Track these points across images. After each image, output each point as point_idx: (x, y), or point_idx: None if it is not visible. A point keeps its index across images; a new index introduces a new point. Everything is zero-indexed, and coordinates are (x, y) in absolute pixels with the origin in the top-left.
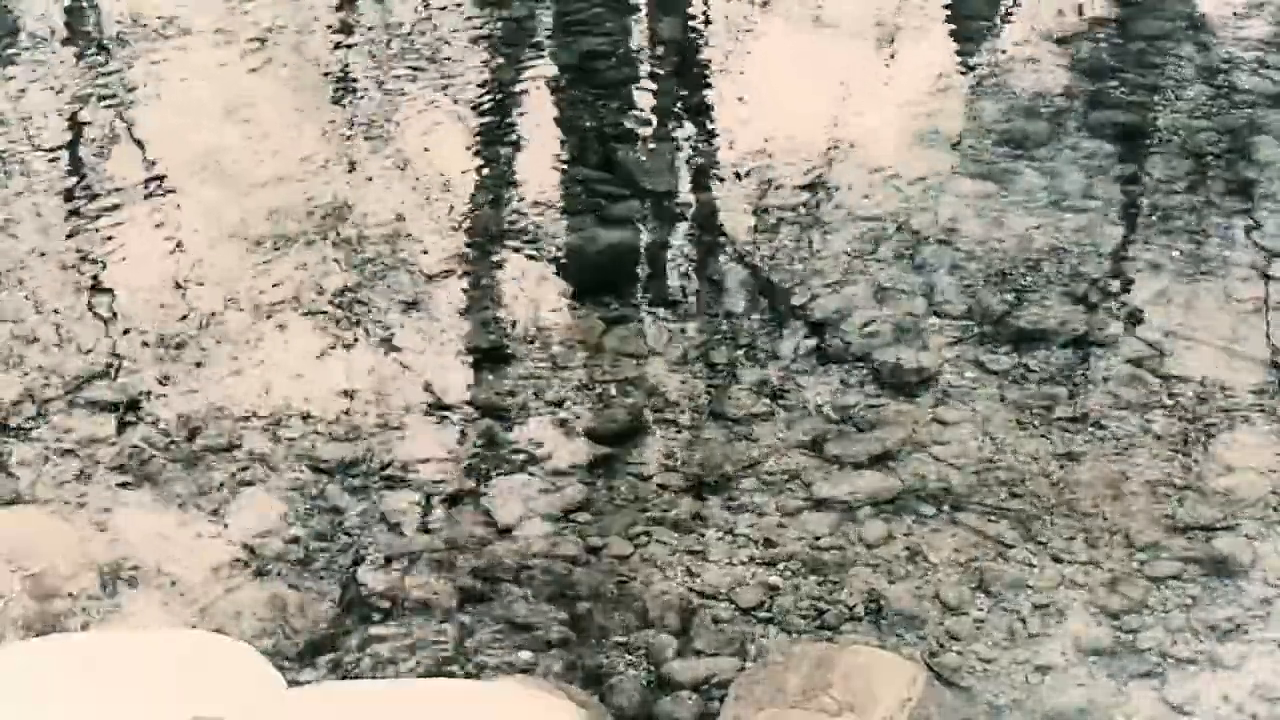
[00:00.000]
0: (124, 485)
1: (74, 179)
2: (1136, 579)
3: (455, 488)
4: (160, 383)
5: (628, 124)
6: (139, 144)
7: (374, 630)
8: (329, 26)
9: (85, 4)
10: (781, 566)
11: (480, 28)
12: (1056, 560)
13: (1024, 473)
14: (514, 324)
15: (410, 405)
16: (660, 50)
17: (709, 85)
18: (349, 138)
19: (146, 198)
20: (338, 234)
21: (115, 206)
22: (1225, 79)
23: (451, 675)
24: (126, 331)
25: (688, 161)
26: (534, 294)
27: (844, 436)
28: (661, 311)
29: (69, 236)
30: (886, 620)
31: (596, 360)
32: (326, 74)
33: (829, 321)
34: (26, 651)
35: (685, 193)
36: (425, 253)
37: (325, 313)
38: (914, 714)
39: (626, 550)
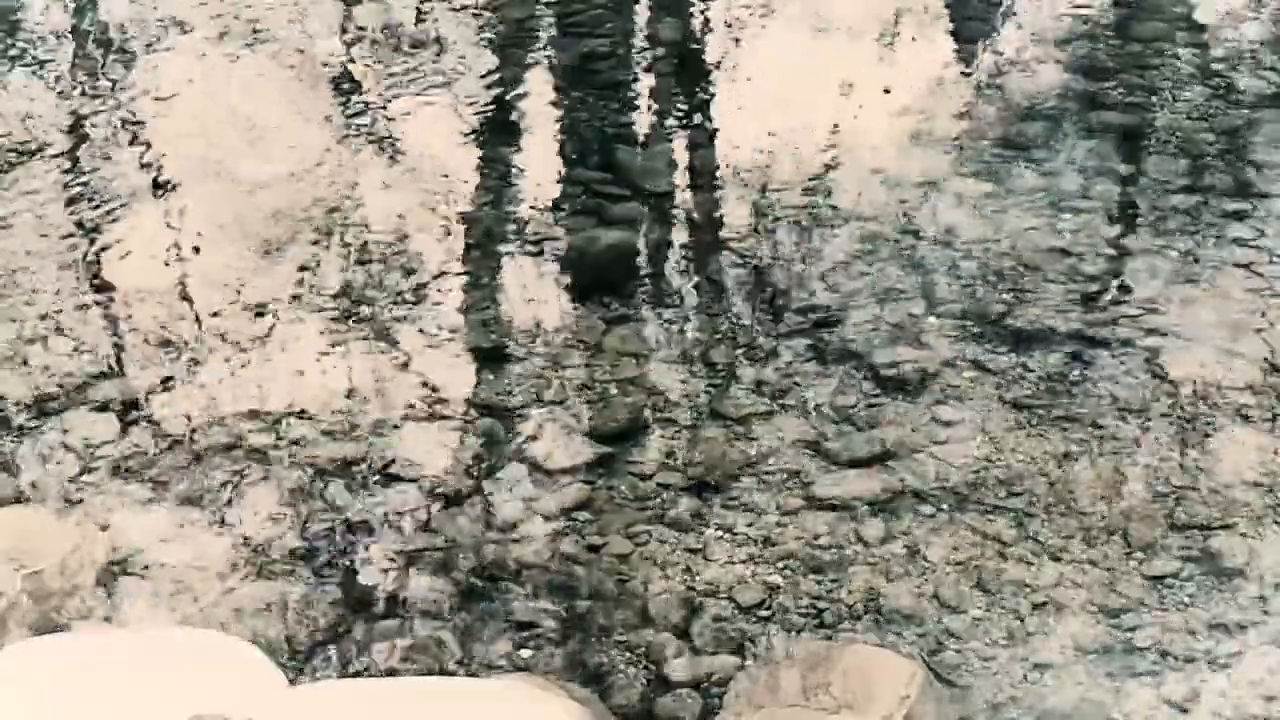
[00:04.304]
0: (125, 484)
1: (75, 179)
2: (1134, 577)
3: (455, 488)
4: (161, 382)
5: (628, 124)
6: (140, 144)
7: (374, 629)
8: (329, 26)
9: (87, 4)
10: (781, 565)
11: (481, 28)
12: (1055, 559)
13: (1022, 472)
14: (514, 324)
15: (410, 405)
16: (660, 50)
17: (709, 85)
18: (349, 137)
19: (147, 198)
20: (338, 234)
21: (116, 206)
22: (1222, 80)
23: (452, 674)
24: (128, 331)
25: (688, 162)
26: (534, 294)
27: (844, 436)
28: (661, 311)
29: (70, 236)
30: (885, 618)
31: (596, 360)
32: (327, 74)
33: (829, 321)
34: (26, 651)
35: (685, 193)
36: (425, 253)
37: (325, 313)
38: (912, 712)
39: (626, 549)
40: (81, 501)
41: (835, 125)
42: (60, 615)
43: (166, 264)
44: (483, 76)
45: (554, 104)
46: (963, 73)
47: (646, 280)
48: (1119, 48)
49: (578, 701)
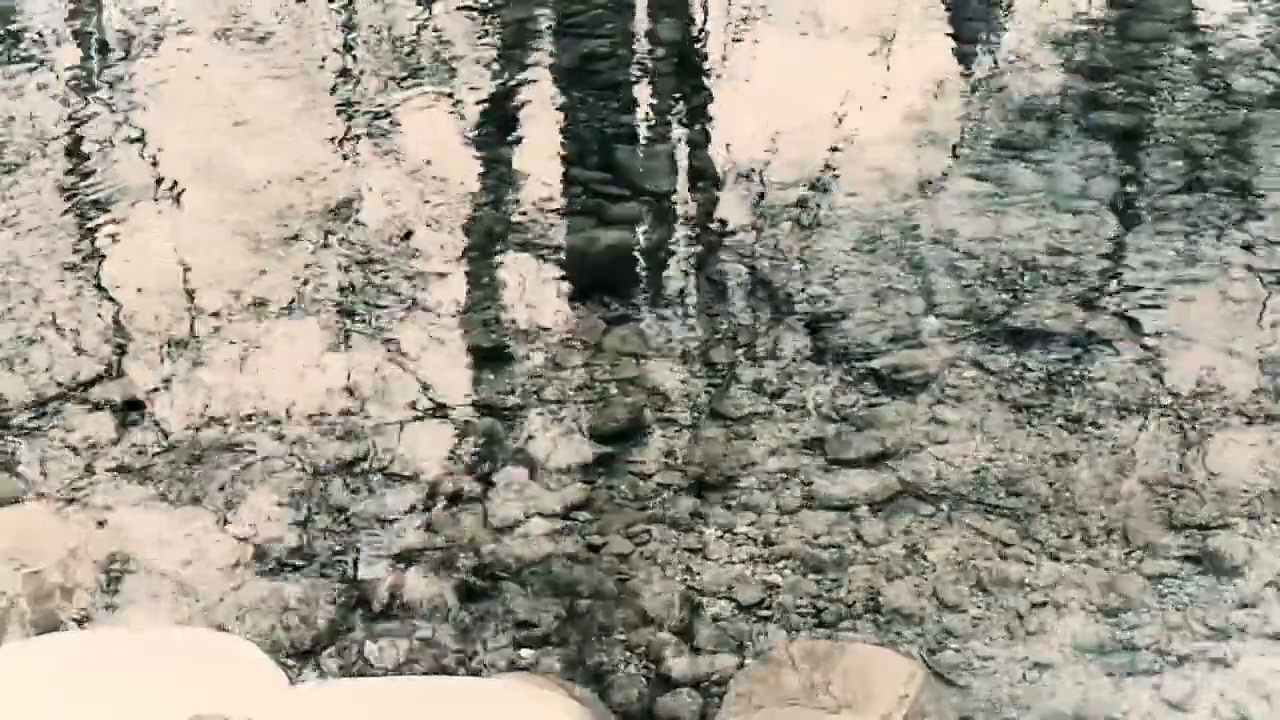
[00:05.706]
0: (125, 484)
1: (76, 179)
2: (1133, 577)
3: (455, 488)
4: (162, 382)
5: (628, 124)
6: (140, 144)
7: (375, 628)
8: (329, 26)
9: (88, 4)
10: (781, 565)
11: (481, 28)
12: (1054, 559)
13: (1022, 472)
14: (514, 324)
15: (410, 405)
16: (660, 50)
17: (709, 86)
18: (349, 138)
19: (148, 198)
20: (338, 234)
21: (117, 206)
22: (1221, 80)
23: (452, 673)
24: (128, 331)
25: (687, 162)
26: (534, 294)
27: (843, 436)
28: (661, 311)
29: (71, 236)
30: (885, 618)
31: (596, 360)
32: (327, 74)
33: (829, 321)
34: (27, 651)
35: (685, 193)
36: (425, 253)
37: (325, 313)
38: (912, 711)
39: (627, 549)
40: (82, 501)
41: (835, 125)
42: (60, 615)
43: (167, 263)
44: (483, 76)
45: (554, 104)
46: (963, 73)
47: (646, 280)
48: (1119, 48)
49: (578, 701)
